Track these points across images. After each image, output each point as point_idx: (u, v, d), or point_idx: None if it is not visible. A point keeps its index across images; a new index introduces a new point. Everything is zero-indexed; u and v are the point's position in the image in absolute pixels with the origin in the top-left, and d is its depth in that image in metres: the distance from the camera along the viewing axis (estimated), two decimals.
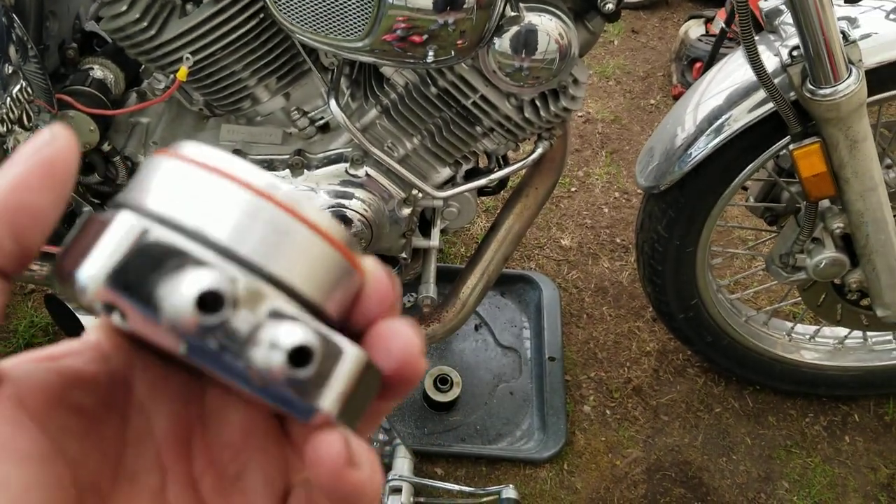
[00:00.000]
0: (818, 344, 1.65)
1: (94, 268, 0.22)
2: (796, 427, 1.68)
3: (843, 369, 1.64)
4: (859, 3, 1.25)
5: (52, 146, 0.23)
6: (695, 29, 2.30)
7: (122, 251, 0.22)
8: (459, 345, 1.73)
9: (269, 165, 1.19)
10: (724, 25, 1.36)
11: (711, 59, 1.37)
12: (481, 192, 1.32)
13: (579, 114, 2.27)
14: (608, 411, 1.68)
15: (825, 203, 1.33)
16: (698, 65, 2.18)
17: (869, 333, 1.63)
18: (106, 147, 1.17)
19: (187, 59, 1.07)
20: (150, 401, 0.27)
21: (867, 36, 1.20)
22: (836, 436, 1.67)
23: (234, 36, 1.08)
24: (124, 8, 1.07)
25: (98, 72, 1.16)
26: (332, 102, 1.11)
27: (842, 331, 1.61)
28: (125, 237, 0.22)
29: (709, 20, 2.32)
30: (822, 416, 1.70)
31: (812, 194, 1.26)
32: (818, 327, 1.65)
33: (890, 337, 1.64)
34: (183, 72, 1.07)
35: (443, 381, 1.61)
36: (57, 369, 0.26)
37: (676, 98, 2.29)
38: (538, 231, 1.98)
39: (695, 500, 1.57)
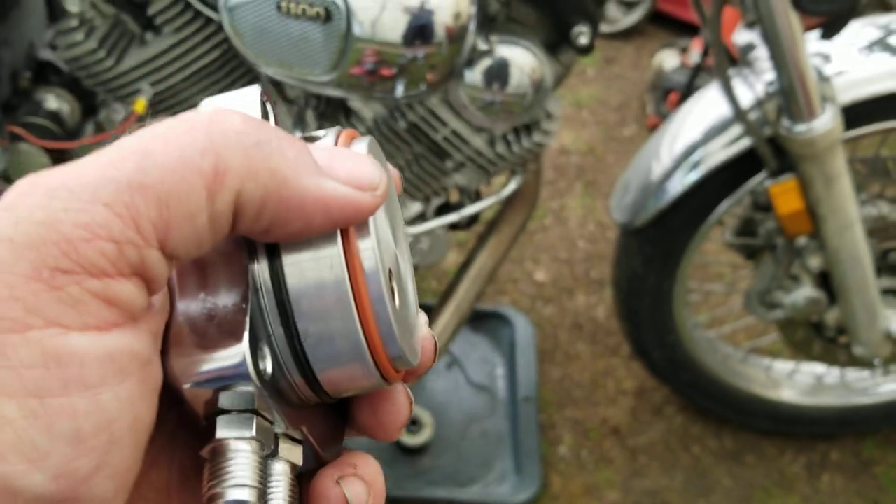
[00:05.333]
0: (796, 382, 1.63)
1: None
2: (775, 467, 1.64)
3: (821, 408, 1.61)
4: (832, 39, 1.24)
5: None
6: (669, 59, 2.29)
7: None
8: (431, 384, 1.67)
9: None
10: (699, 59, 1.35)
11: (688, 90, 1.36)
12: (452, 226, 1.28)
13: (554, 145, 2.25)
14: (584, 452, 1.64)
15: (802, 240, 1.31)
16: (673, 95, 2.18)
17: (846, 371, 1.60)
18: None
19: (146, 90, 1.03)
20: None
21: (840, 73, 1.19)
22: (814, 475, 1.63)
23: (196, 67, 1.04)
24: (81, 37, 1.03)
25: (52, 102, 1.11)
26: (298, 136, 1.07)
27: (820, 368, 1.58)
28: None
29: (683, 50, 2.32)
30: (801, 454, 1.66)
31: (789, 231, 1.24)
32: (796, 365, 1.62)
33: (867, 374, 1.62)
34: (141, 104, 1.03)
35: (413, 423, 1.55)
36: None
37: (651, 129, 2.28)
38: (512, 265, 1.94)
39: None
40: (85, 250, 0.21)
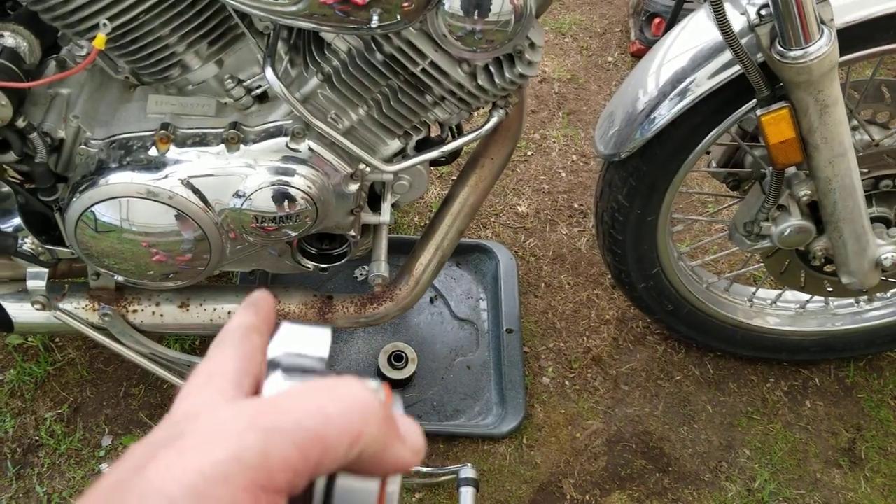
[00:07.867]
0: (780, 309, 1.63)
1: None
2: (757, 393, 1.66)
3: (804, 334, 1.62)
4: None
5: None
6: None
7: None
8: (415, 318, 1.66)
9: (202, 140, 1.09)
10: None
11: (674, 17, 1.30)
12: (434, 162, 1.24)
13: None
14: (567, 382, 1.64)
15: (791, 169, 1.28)
16: (657, 20, 2.11)
17: (831, 298, 1.61)
18: (21, 122, 1.05)
19: (104, 24, 0.96)
20: None
21: None
22: (797, 401, 1.65)
23: None
24: None
25: (9, 39, 1.04)
26: (269, 70, 1.01)
27: (803, 295, 1.58)
28: None
29: None
30: (783, 381, 1.68)
31: (779, 161, 1.20)
32: (780, 292, 1.62)
33: (851, 300, 1.62)
34: (100, 39, 0.96)
35: (397, 359, 1.55)
36: None
37: (634, 55, 2.22)
38: (494, 198, 1.91)
39: (656, 471, 1.54)
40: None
